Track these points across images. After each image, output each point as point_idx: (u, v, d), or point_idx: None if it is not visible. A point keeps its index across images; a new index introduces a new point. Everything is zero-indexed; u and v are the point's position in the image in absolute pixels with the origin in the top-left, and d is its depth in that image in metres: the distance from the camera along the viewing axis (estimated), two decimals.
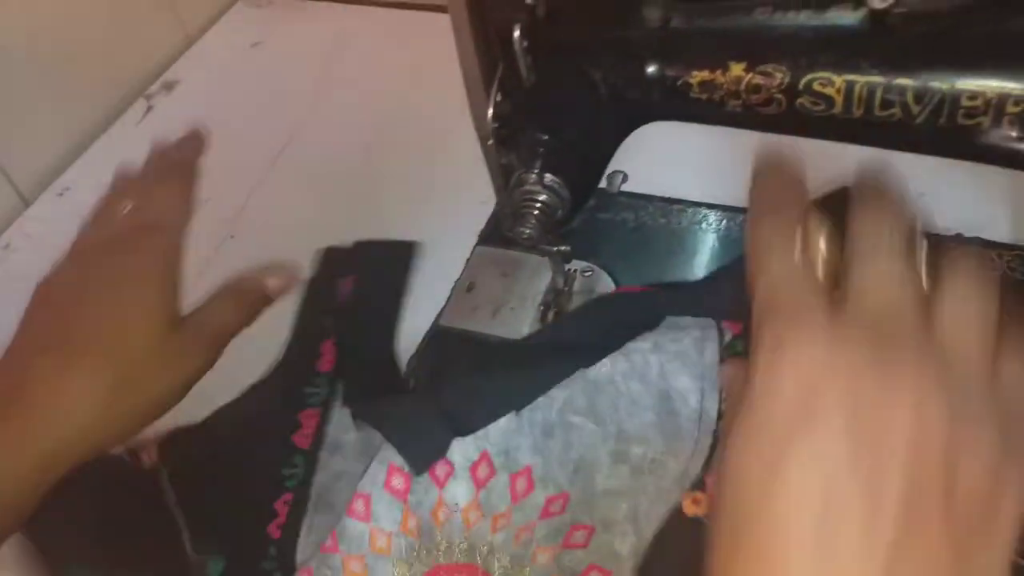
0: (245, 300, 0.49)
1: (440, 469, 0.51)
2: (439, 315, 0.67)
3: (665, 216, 0.72)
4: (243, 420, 0.59)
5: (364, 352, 0.64)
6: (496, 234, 0.70)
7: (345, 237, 0.72)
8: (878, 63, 0.38)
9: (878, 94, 0.38)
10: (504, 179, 0.50)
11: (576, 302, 0.67)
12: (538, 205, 0.48)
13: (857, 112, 0.39)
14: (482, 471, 0.52)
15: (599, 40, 0.43)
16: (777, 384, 0.26)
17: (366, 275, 0.70)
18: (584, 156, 0.48)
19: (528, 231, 0.48)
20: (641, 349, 0.54)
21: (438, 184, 0.77)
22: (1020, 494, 0.25)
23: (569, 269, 0.67)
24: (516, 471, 0.52)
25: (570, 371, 0.54)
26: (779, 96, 0.40)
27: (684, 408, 0.52)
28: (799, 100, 0.40)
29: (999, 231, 0.65)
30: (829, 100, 0.39)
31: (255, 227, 0.77)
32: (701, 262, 0.67)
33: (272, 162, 0.83)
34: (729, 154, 0.76)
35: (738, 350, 0.54)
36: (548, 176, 0.47)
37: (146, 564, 0.53)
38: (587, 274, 0.68)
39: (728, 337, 0.55)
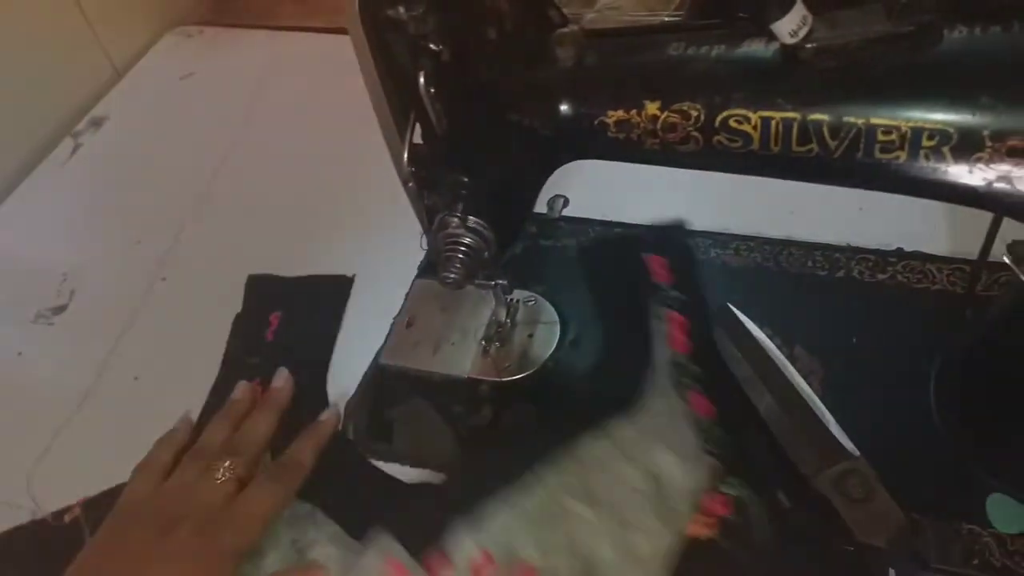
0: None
1: (443, 571, 0.49)
2: (379, 353, 0.65)
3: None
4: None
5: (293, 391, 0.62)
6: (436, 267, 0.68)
7: (278, 273, 0.71)
8: (792, 98, 0.37)
9: (794, 129, 0.37)
10: (429, 220, 0.48)
11: (520, 332, 0.65)
12: (463, 248, 0.46)
13: (775, 148, 0.38)
14: (485, 571, 0.50)
15: (511, 82, 0.42)
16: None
17: (294, 310, 0.68)
18: (507, 196, 0.47)
19: (453, 276, 0.46)
20: (620, 426, 0.54)
21: (375, 214, 0.75)
22: None
23: (511, 299, 0.66)
24: (520, 569, 0.50)
25: (553, 443, 0.53)
26: (696, 134, 0.39)
27: (673, 489, 0.51)
28: (716, 137, 0.39)
29: (938, 245, 0.64)
30: (746, 137, 0.38)
31: (186, 268, 0.74)
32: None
33: (201, 198, 0.81)
34: (670, 174, 0.76)
35: (703, 426, 0.54)
36: (471, 219, 0.46)
37: None
38: (530, 303, 0.67)
39: (701, 419, 0.55)
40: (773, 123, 0.38)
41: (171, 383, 0.64)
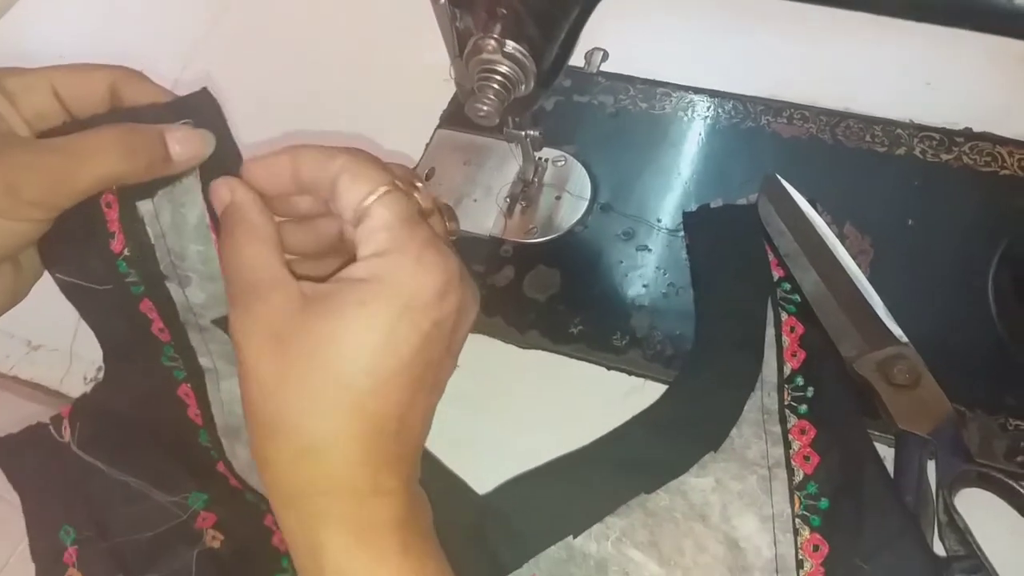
0: (137, 147, 0.36)
1: None
2: None
3: (648, 100, 0.65)
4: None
5: None
6: (460, 116, 0.63)
7: (295, 119, 0.65)
8: None
9: None
10: (460, 47, 0.43)
11: (547, 194, 0.61)
12: (498, 78, 0.41)
13: None
14: None
15: None
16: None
17: None
18: (552, 20, 0.41)
19: (486, 108, 0.41)
20: (700, 488, 0.47)
21: (394, 58, 0.69)
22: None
23: (539, 158, 0.61)
24: None
25: (630, 494, 0.47)
26: None
27: (757, 559, 0.45)
28: None
29: (1012, 127, 0.59)
30: None
31: None
32: (686, 154, 0.61)
33: (207, 33, 0.75)
34: (722, 32, 0.70)
35: (812, 491, 0.46)
36: (510, 43, 0.40)
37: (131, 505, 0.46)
38: (559, 163, 0.62)
39: (800, 477, 0.47)
40: None
41: None
